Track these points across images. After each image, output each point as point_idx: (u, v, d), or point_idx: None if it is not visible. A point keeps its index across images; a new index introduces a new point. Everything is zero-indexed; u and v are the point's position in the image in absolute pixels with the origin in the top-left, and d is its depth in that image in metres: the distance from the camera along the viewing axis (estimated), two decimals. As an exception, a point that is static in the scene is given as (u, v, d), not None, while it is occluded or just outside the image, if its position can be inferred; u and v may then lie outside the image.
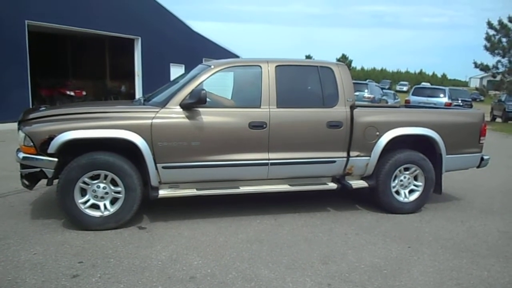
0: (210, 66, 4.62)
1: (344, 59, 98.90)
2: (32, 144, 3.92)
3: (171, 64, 18.58)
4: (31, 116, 4.21)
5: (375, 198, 5.03)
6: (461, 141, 5.17)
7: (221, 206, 4.86)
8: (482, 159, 5.38)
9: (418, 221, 4.76)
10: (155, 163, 4.14)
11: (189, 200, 4.67)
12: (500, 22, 19.49)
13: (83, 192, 4.06)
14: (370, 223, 4.64)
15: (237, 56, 23.89)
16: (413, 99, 17.45)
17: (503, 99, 22.39)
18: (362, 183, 4.91)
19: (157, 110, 4.23)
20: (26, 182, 4.15)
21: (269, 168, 4.53)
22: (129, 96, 17.95)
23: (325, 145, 4.68)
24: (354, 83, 18.21)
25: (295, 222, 4.55)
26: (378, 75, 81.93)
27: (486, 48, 19.98)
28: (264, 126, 4.44)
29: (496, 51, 19.76)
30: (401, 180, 4.98)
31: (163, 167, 4.19)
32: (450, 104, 16.72)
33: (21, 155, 4.01)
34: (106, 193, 4.09)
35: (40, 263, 3.36)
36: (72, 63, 20.95)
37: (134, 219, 4.27)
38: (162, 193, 4.26)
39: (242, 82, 4.91)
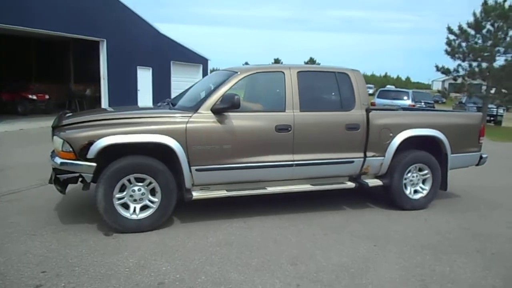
0: (236, 72, 4.77)
1: (312, 63, 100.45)
2: (71, 149, 3.96)
3: (138, 67, 18.29)
4: (65, 122, 4.27)
5: (389, 196, 5.31)
6: (463, 141, 5.55)
7: (191, 210, 4.82)
8: (481, 157, 5.76)
9: (386, 220, 4.89)
10: (189, 166, 4.27)
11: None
12: (460, 28, 20.30)
13: (123, 195, 4.14)
14: (338, 223, 4.72)
15: (206, 59, 23.79)
16: (378, 101, 17.89)
17: (463, 101, 23.40)
18: (377, 182, 5.18)
19: (190, 114, 4.36)
20: (59, 187, 4.19)
21: (294, 169, 4.74)
22: (95, 100, 17.55)
23: (344, 146, 4.94)
24: None
25: (264, 224, 4.56)
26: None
27: (447, 53, 20.72)
28: (289, 129, 4.65)
29: (457, 55, 20.51)
30: (411, 179, 5.31)
31: (197, 170, 4.33)
32: (413, 106, 17.27)
33: (59, 160, 4.04)
34: (143, 194, 4.20)
35: (2, 274, 3.22)
36: (36, 67, 20.30)
37: (101, 225, 4.17)
38: (196, 195, 4.38)
39: (267, 87, 5.06)
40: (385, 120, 5.13)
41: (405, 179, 5.25)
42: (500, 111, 22.35)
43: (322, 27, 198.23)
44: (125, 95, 16.93)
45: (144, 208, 4.22)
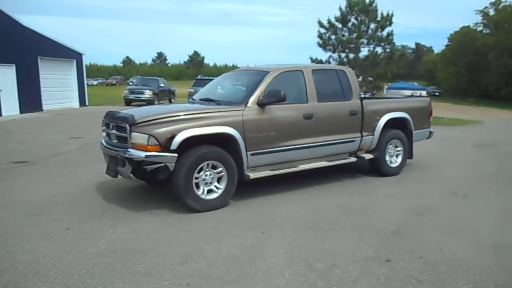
0: (268, 72, 5.61)
1: (196, 56, 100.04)
2: (157, 143, 4.50)
3: (-3, 64, 16.09)
4: (140, 120, 4.71)
5: (376, 166, 6.68)
6: (420, 120, 7.22)
7: (63, 220, 4.40)
8: (430, 132, 7.52)
9: (270, 206, 5.08)
10: (246, 151, 5.07)
11: (22, 217, 4.09)
12: (329, 22, 22.05)
13: (198, 177, 4.80)
14: (227, 216, 4.75)
15: (80, 54, 22.01)
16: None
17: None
18: (370, 155, 6.52)
19: (242, 108, 5.14)
20: (136, 178, 4.80)
21: (316, 149, 5.82)
22: None
23: (348, 129, 6.20)
24: (206, 79, 18.98)
25: (152, 225, 4.39)
26: (230, 71, 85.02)
27: (319, 45, 22.38)
28: (312, 117, 5.71)
29: (328, 47, 22.29)
30: (390, 152, 6.79)
31: (251, 154, 5.15)
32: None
33: (143, 153, 4.50)
34: (212, 178, 4.91)
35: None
36: None
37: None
38: (252, 175, 5.20)
39: (291, 83, 5.80)
40: (373, 106, 6.52)
41: (387, 152, 6.67)
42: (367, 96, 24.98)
43: (204, 20, 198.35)
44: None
45: (210, 191, 4.91)
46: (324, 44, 22.04)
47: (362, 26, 21.58)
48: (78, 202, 5.17)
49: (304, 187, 6.00)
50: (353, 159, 6.33)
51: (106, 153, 5.25)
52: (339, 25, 21.91)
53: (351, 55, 21.71)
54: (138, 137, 4.59)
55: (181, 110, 5.06)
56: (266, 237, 4.11)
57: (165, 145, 4.52)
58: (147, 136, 4.52)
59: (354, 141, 6.25)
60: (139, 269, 3.38)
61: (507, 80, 41.07)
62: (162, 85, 25.72)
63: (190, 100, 6.36)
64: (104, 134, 5.40)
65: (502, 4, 46.89)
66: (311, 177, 6.47)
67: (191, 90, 19.21)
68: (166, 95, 26.71)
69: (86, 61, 22.45)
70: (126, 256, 3.62)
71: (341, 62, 21.97)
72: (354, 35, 21.68)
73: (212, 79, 21.44)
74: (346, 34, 21.96)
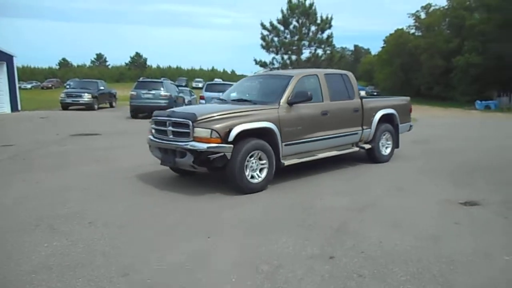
0: (292, 76, 6.71)
1: (138, 57, 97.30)
2: (218, 136, 5.40)
3: None
4: (201, 118, 5.59)
5: (372, 155, 7.91)
6: (404, 115, 8.56)
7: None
8: (410, 126, 8.92)
9: (217, 210, 5.02)
10: (282, 142, 6.08)
11: None
12: (272, 24, 22.39)
13: (247, 164, 5.72)
14: (173, 221, 4.63)
15: (11, 56, 20.57)
16: (207, 95, 18.41)
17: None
18: (368, 146, 7.75)
19: (276, 107, 6.17)
20: (196, 167, 5.67)
21: (330, 140, 6.95)
22: None
23: (352, 123, 7.40)
24: (148, 81, 18.90)
25: (91, 236, 4.15)
26: (174, 73, 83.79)
27: (263, 47, 22.66)
28: (327, 113, 6.82)
29: (271, 49, 22.63)
30: (383, 143, 8.06)
31: (285, 145, 6.16)
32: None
33: (204, 145, 5.40)
34: (257, 165, 5.85)
35: None
36: None
37: None
38: (286, 162, 6.23)
39: (309, 85, 6.83)
40: (370, 104, 7.81)
41: (380, 142, 7.92)
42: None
43: (146, 21, 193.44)
44: None
45: (252, 177, 5.78)
46: (267, 45, 22.35)
47: (303, 28, 22.16)
48: (9, 214, 4.81)
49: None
50: (356, 149, 7.62)
51: (158, 147, 6.19)
52: (281, 28, 22.33)
53: (294, 57, 22.18)
54: (201, 132, 5.48)
55: (229, 109, 6.02)
56: (213, 241, 4.05)
57: (224, 137, 5.43)
58: (210, 130, 5.42)
59: (357, 133, 7.51)
60: (77, 284, 3.18)
61: (438, 80, 44.00)
62: (101, 88, 24.66)
63: (218, 100, 7.42)
64: (152, 131, 6.32)
65: (432, 8, 50.21)
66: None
67: (132, 93, 18.58)
68: (107, 99, 25.70)
69: (18, 63, 20.97)
70: (62, 271, 3.40)
71: (284, 64, 22.40)
72: (296, 37, 22.19)
73: (156, 81, 20.91)
74: (288, 36, 22.42)
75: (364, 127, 7.60)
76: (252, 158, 5.74)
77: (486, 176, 6.92)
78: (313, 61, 21.93)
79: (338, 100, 7.14)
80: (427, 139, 11.59)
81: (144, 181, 6.49)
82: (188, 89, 29.58)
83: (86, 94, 22.59)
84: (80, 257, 3.67)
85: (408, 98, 9.17)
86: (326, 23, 22.07)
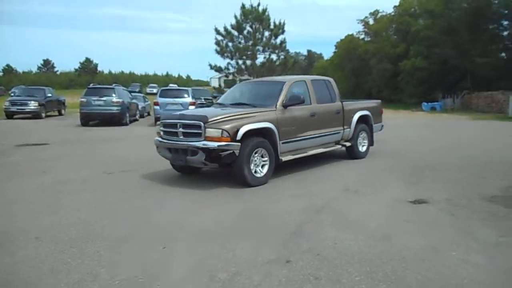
0: (285, 82, 7.57)
1: (88, 63, 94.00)
2: (228, 135, 6.08)
3: None
4: (211, 120, 6.25)
5: (351, 152, 8.77)
6: (376, 116, 9.54)
7: None
8: (382, 126, 9.95)
9: (170, 219, 4.91)
10: (279, 141, 6.81)
11: None
12: (226, 29, 22.41)
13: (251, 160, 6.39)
14: (124, 233, 4.46)
15: None
16: (161, 100, 18.12)
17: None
18: (348, 143, 8.64)
19: (274, 109, 6.95)
20: (208, 163, 6.27)
21: (318, 139, 7.81)
22: None
23: (335, 123, 8.29)
24: (99, 88, 18.69)
25: (38, 252, 3.92)
26: (127, 79, 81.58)
27: (217, 52, 22.64)
28: (315, 115, 7.71)
29: (226, 54, 22.65)
30: (360, 141, 8.96)
31: (282, 143, 6.92)
32: (194, 103, 18.13)
33: (215, 144, 6.06)
34: (260, 161, 6.56)
35: None
36: None
37: None
38: (284, 159, 7.00)
39: (300, 89, 7.67)
40: (349, 107, 8.77)
41: (358, 141, 8.83)
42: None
43: (96, 26, 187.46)
44: None
45: (255, 172, 6.45)
46: (222, 51, 22.36)
47: (257, 33, 22.36)
48: None
49: (208, 195, 5.96)
50: (338, 146, 8.48)
51: (167, 148, 6.76)
52: (235, 33, 22.39)
53: (249, 62, 22.31)
54: (213, 132, 6.11)
55: (233, 111, 6.73)
56: (168, 251, 3.95)
57: (233, 136, 6.08)
58: (221, 130, 6.06)
59: (339, 132, 8.42)
60: (21, 305, 2.99)
61: (387, 83, 45.77)
62: (49, 95, 23.59)
63: (216, 104, 8.32)
64: (161, 133, 6.90)
65: (380, 14, 52.24)
66: (210, 186, 6.45)
67: (82, 99, 17.91)
68: (55, 106, 24.62)
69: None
70: (4, 292, 3.18)
71: (239, 69, 22.49)
72: (250, 42, 22.35)
73: (108, 87, 20.26)
74: (242, 41, 22.53)
75: (345, 127, 8.53)
76: (256, 155, 6.43)
77: (433, 175, 7.26)
78: (267, 66, 22.17)
79: (323, 103, 8.05)
80: (383, 139, 12.00)
81: (93, 192, 6.24)
82: (142, 95, 28.96)
83: (32, 102, 21.57)
84: (26, 276, 3.45)
85: (380, 101, 10.33)
86: (279, 29, 22.41)
